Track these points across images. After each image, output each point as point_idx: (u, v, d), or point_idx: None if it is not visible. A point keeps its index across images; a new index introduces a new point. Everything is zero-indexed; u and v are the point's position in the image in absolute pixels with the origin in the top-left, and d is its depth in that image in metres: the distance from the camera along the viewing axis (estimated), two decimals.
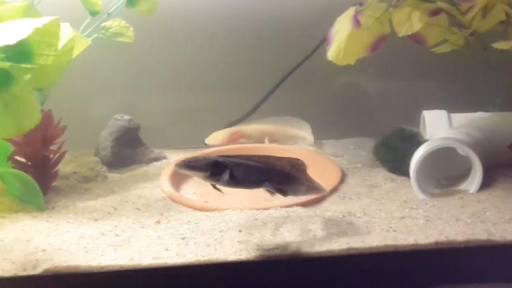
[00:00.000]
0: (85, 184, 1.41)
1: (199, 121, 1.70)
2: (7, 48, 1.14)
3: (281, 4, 1.67)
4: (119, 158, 1.50)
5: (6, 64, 1.18)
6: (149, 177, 1.45)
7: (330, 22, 1.42)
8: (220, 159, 1.02)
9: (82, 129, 1.49)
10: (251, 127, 1.66)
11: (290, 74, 1.68)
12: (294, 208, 1.21)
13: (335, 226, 1.12)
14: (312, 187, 1.10)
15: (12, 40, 1.10)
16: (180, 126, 1.70)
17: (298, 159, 1.10)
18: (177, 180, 1.39)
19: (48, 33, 1.18)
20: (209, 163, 1.01)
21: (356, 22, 1.31)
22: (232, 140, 1.62)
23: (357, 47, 1.33)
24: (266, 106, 1.71)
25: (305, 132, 1.68)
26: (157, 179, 1.41)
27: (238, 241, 1.07)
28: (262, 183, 1.07)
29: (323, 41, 1.59)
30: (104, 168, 1.49)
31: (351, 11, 1.34)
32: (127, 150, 1.51)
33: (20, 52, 1.18)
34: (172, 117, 1.71)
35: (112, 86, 1.68)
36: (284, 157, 1.09)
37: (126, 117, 1.53)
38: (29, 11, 1.24)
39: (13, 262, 1.02)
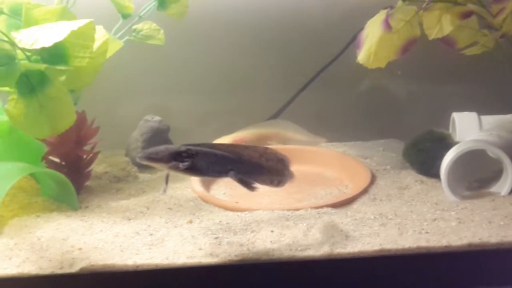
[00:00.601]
0: (116, 184, 1.43)
1: (228, 122, 1.70)
2: (43, 50, 1.17)
3: (308, 5, 1.68)
4: None
5: (41, 66, 1.20)
6: (179, 177, 1.45)
7: (358, 23, 1.43)
8: (182, 149, 1.03)
9: (113, 129, 1.51)
10: (248, 132, 1.65)
11: (318, 75, 1.69)
12: (325, 209, 1.22)
13: (366, 228, 1.12)
14: (285, 178, 1.10)
15: (48, 43, 1.13)
16: (209, 126, 1.71)
17: (266, 148, 1.09)
18: (207, 180, 1.41)
19: (84, 36, 1.20)
20: (170, 154, 1.02)
21: (387, 26, 1.31)
22: None
23: (387, 50, 1.34)
24: (294, 107, 1.72)
25: (299, 135, 1.68)
26: (187, 179, 1.42)
27: (271, 242, 1.08)
28: (228, 172, 1.07)
29: (351, 42, 1.61)
30: (135, 168, 1.51)
31: (381, 15, 1.34)
32: None
33: (56, 54, 1.20)
34: (201, 118, 1.72)
35: (142, 87, 1.70)
36: (252, 146, 1.10)
37: (157, 118, 1.55)
38: (64, 14, 1.26)
39: (50, 260, 1.04)
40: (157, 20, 1.49)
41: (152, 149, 1.03)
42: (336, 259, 1.03)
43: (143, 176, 1.49)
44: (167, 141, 1.55)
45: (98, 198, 1.33)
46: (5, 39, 1.18)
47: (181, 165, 1.02)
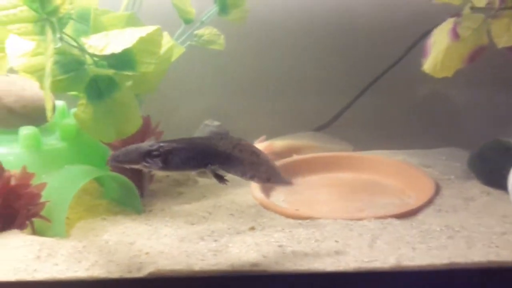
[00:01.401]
0: (177, 187, 1.44)
1: (285, 126, 1.69)
2: (110, 56, 1.18)
3: (369, 9, 1.66)
4: None
5: (110, 71, 1.22)
6: (239, 182, 1.44)
7: (419, 28, 1.41)
8: (154, 147, 1.02)
9: (174, 133, 1.52)
10: (277, 143, 1.61)
11: (377, 80, 1.67)
12: (389, 220, 1.20)
13: (433, 240, 1.10)
14: (265, 172, 1.09)
15: (118, 48, 1.15)
16: (267, 131, 1.71)
17: (240, 139, 1.08)
18: (267, 187, 1.41)
19: (151, 42, 1.22)
20: (140, 154, 1.01)
21: (455, 35, 1.29)
22: None
23: (454, 59, 1.31)
24: (352, 112, 1.70)
25: (330, 146, 1.66)
26: (247, 185, 1.42)
27: (335, 252, 1.07)
28: (204, 165, 1.07)
29: (412, 48, 1.59)
30: (194, 172, 1.52)
31: (448, 23, 1.32)
32: None
33: (123, 60, 1.22)
34: (258, 122, 1.73)
35: (202, 91, 1.71)
36: (228, 138, 1.08)
37: (216, 122, 1.56)
38: (131, 20, 1.28)
39: (118, 264, 1.05)
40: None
41: (122, 151, 1.03)
42: (404, 271, 1.02)
43: (203, 180, 1.49)
44: None
45: (160, 201, 1.35)
46: (75, 44, 1.21)
47: (153, 164, 1.02)
